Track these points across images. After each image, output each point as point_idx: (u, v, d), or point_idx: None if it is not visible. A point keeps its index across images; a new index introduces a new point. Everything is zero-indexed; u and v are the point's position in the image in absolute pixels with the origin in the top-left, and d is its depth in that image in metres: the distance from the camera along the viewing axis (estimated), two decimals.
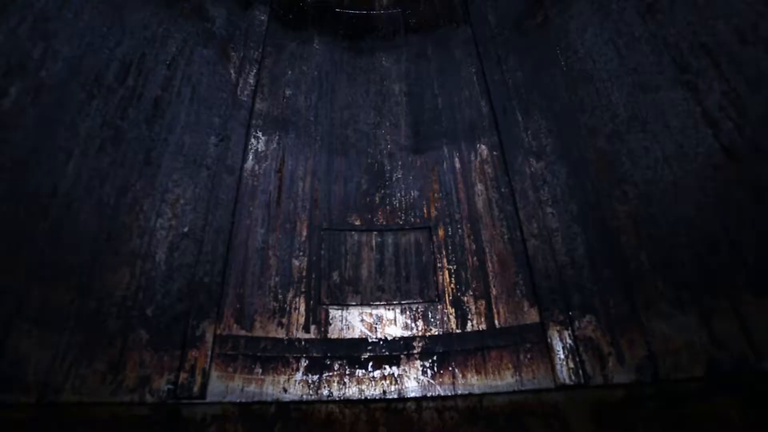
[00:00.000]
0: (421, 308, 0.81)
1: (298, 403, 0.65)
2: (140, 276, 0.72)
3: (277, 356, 0.70)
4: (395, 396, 0.64)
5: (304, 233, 0.95)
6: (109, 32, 0.85)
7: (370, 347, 0.70)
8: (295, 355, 0.70)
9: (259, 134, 1.01)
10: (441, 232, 0.97)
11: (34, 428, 0.57)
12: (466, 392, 0.63)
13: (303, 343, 0.72)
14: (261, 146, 1.01)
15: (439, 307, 0.82)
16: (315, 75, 1.19)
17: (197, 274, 0.76)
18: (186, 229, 0.79)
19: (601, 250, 0.67)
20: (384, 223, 0.98)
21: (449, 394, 0.63)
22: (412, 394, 0.64)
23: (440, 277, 0.90)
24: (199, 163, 0.87)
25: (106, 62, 0.83)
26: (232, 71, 1.00)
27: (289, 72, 1.14)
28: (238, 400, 0.66)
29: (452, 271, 0.91)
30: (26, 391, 0.57)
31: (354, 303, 0.86)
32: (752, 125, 0.58)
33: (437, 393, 0.64)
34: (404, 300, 0.87)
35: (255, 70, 1.03)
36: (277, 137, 1.03)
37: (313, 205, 0.99)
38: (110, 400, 0.62)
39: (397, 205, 1.01)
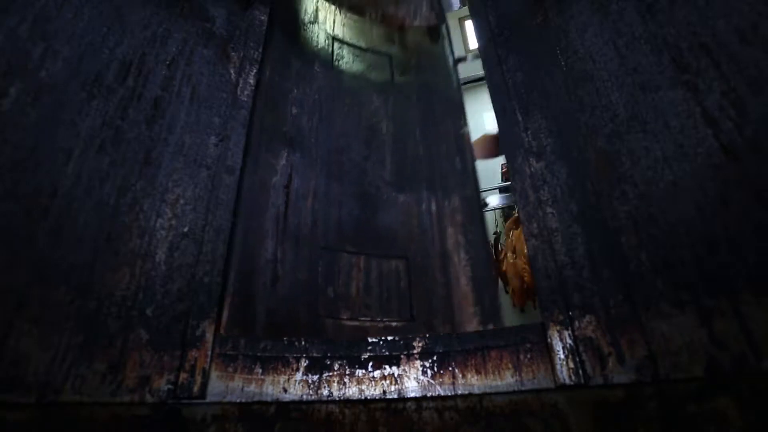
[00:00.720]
0: (399, 326, 0.89)
1: (298, 403, 0.65)
2: (140, 276, 0.72)
3: (277, 356, 0.70)
4: (395, 396, 0.64)
5: (306, 250, 0.98)
6: (109, 32, 0.85)
7: (370, 347, 0.70)
8: (295, 355, 0.70)
9: (270, 148, 1.03)
10: (417, 263, 1.06)
11: (34, 428, 0.57)
12: (466, 392, 0.63)
13: (303, 343, 0.72)
14: (272, 159, 1.02)
15: (413, 326, 0.91)
16: (316, 98, 1.21)
17: (197, 274, 0.76)
18: (186, 229, 0.79)
19: (601, 250, 0.67)
20: (371, 248, 1.05)
21: (449, 394, 0.63)
22: (412, 394, 0.64)
23: (414, 301, 1.00)
24: (199, 163, 0.87)
25: (106, 62, 0.83)
26: (232, 71, 1.00)
27: (295, 90, 1.16)
28: (238, 400, 0.66)
29: (425, 297, 1.00)
30: (26, 391, 0.57)
31: (345, 317, 0.94)
32: (752, 125, 0.58)
33: (437, 393, 0.63)
34: (386, 318, 0.97)
35: (255, 70, 1.03)
36: (285, 153, 1.06)
37: (314, 224, 1.03)
38: (110, 400, 0.62)
39: (382, 234, 1.08)
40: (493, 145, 1.60)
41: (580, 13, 0.86)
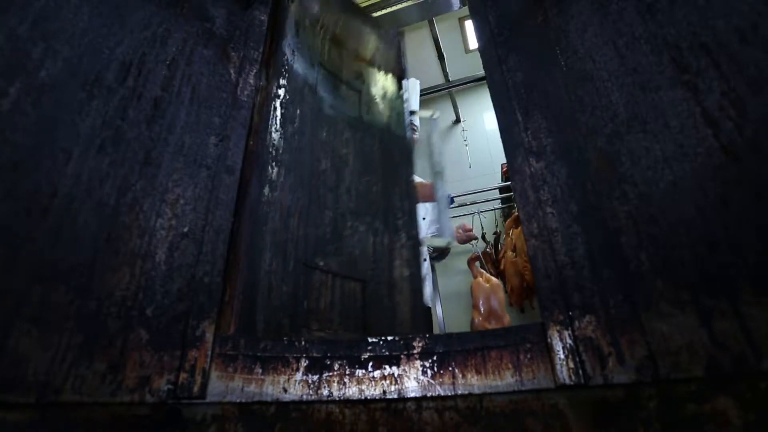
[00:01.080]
0: None
1: (298, 403, 0.65)
2: (140, 276, 0.72)
3: (277, 356, 0.70)
4: (395, 396, 0.64)
5: (291, 264, 1.05)
6: (109, 32, 0.85)
7: (370, 347, 0.70)
8: (295, 355, 0.70)
9: (275, 165, 1.05)
10: (371, 287, 1.18)
11: (34, 428, 0.57)
12: (466, 392, 0.63)
13: (303, 343, 0.72)
14: (274, 176, 1.04)
15: None
16: (305, 120, 1.24)
17: (197, 274, 0.76)
18: (186, 229, 0.79)
19: (601, 250, 0.67)
20: (337, 269, 1.14)
21: (449, 394, 0.63)
22: (412, 394, 0.64)
23: (368, 320, 1.11)
24: (199, 163, 0.87)
25: (106, 62, 0.83)
26: (232, 71, 1.00)
27: (290, 108, 1.17)
28: (238, 400, 0.66)
29: (376, 317, 1.13)
30: (26, 391, 0.57)
31: (315, 328, 1.02)
32: (752, 125, 0.58)
33: (437, 393, 0.63)
34: (345, 332, 1.05)
35: (255, 70, 1.03)
36: (284, 170, 1.10)
37: (298, 241, 1.09)
38: (110, 400, 0.62)
39: (346, 257, 1.19)
40: (426, 192, 1.81)
41: (580, 13, 0.86)
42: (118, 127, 0.80)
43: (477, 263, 2.14)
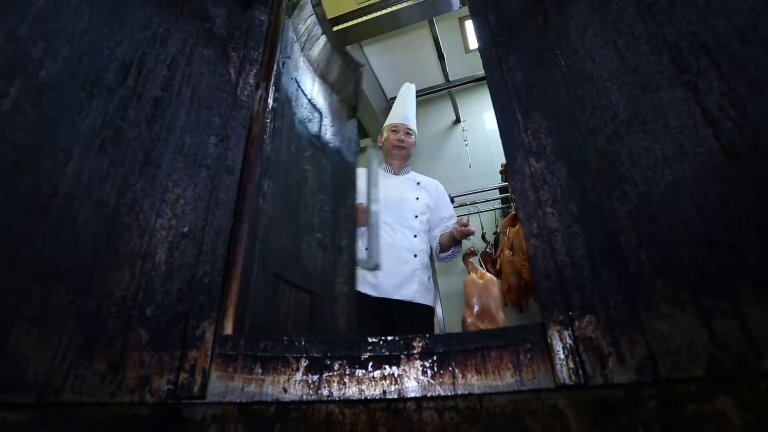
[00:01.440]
0: None
1: (298, 403, 0.65)
2: (140, 276, 0.72)
3: (277, 356, 0.70)
4: (395, 396, 0.64)
5: (268, 273, 1.09)
6: (109, 32, 0.85)
7: (370, 347, 0.70)
8: (295, 355, 0.70)
9: (267, 176, 1.08)
10: (318, 300, 1.29)
11: (34, 428, 0.57)
12: (466, 392, 0.63)
13: (303, 343, 0.72)
14: (266, 187, 1.08)
15: None
16: (284, 130, 1.31)
17: (197, 274, 0.76)
18: (186, 229, 0.79)
19: (601, 250, 0.67)
20: (295, 280, 1.22)
21: (449, 394, 0.63)
22: (412, 394, 0.64)
23: (315, 330, 1.20)
24: (199, 163, 0.87)
25: (106, 62, 0.83)
26: (232, 71, 1.00)
27: (279, 121, 1.21)
28: (238, 400, 0.66)
29: (320, 327, 1.22)
30: (26, 391, 0.57)
31: (275, 335, 1.07)
32: (752, 125, 0.58)
33: (437, 393, 0.63)
34: (302, 337, 1.12)
35: (255, 70, 1.03)
36: (272, 183, 1.14)
37: (273, 251, 1.14)
38: (110, 400, 0.62)
39: (302, 270, 1.28)
40: (362, 217, 1.92)
41: (580, 13, 0.86)
42: (118, 127, 0.80)
43: (472, 259, 2.05)
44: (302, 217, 1.32)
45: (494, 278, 1.87)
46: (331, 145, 1.59)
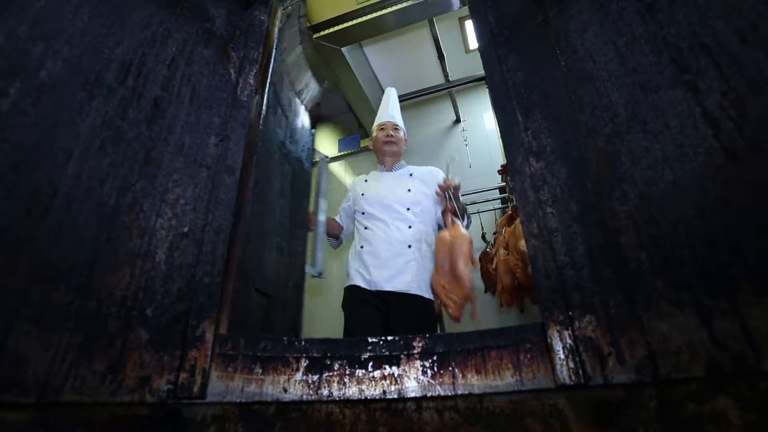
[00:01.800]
0: None
1: (298, 403, 0.65)
2: (140, 276, 0.72)
3: (277, 356, 0.70)
4: (395, 396, 0.64)
5: (250, 287, 1.16)
6: (109, 32, 0.85)
7: (370, 347, 0.70)
8: (295, 355, 0.70)
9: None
10: (274, 302, 1.34)
11: (34, 428, 0.57)
12: (466, 392, 0.63)
13: (303, 343, 0.72)
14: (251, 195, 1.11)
15: None
16: (263, 135, 1.36)
17: (197, 274, 0.76)
18: (186, 229, 0.79)
19: (601, 250, 0.67)
20: (257, 283, 1.24)
21: (449, 394, 0.63)
22: (412, 394, 0.64)
23: (271, 330, 1.27)
24: (199, 163, 0.87)
25: (106, 62, 0.83)
26: (232, 71, 1.00)
27: (265, 125, 1.23)
28: (238, 400, 0.66)
29: (277, 328, 1.29)
30: (26, 391, 0.57)
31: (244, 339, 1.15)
32: (752, 125, 0.58)
33: (437, 393, 0.63)
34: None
35: (255, 70, 1.03)
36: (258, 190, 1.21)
37: (248, 257, 1.17)
38: (110, 400, 0.62)
39: (265, 274, 1.33)
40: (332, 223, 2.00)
41: (580, 13, 0.86)
42: (118, 127, 0.80)
43: (450, 216, 1.67)
44: (267, 221, 1.37)
45: (466, 234, 1.59)
46: (293, 152, 1.65)
